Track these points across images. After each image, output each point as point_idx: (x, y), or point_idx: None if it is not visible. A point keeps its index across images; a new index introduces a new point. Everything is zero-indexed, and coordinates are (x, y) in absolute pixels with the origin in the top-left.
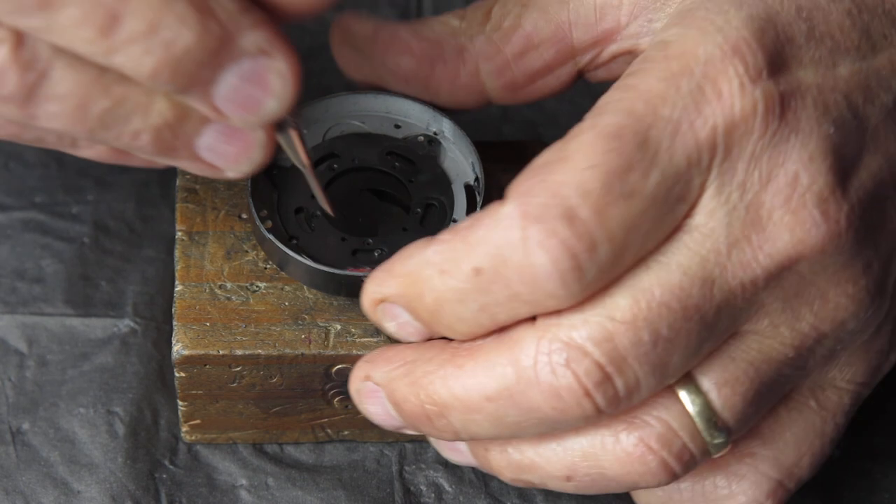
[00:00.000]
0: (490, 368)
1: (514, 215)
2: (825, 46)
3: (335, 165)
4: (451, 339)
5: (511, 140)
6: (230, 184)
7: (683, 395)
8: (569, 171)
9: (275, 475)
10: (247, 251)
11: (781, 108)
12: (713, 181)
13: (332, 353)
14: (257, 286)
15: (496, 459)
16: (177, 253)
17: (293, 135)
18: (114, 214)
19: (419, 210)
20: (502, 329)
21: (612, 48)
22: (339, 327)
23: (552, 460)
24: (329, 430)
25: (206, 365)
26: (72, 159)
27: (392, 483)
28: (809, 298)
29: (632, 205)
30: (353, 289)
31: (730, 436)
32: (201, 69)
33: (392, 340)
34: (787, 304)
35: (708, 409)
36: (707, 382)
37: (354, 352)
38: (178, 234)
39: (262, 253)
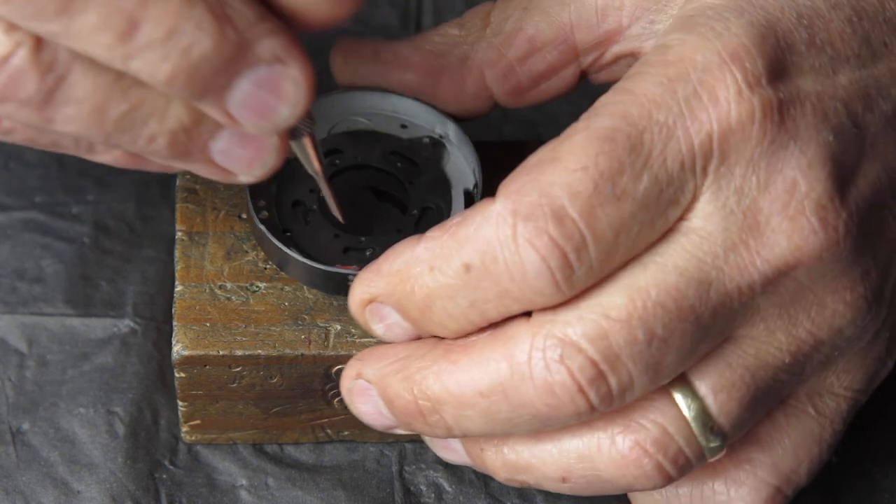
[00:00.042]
0: (484, 364)
1: (504, 213)
2: (825, 54)
3: (337, 161)
4: (440, 339)
5: (511, 140)
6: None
7: (680, 399)
8: (560, 172)
9: (275, 475)
10: (247, 251)
11: (780, 114)
12: (709, 185)
13: (332, 353)
14: (257, 286)
15: (491, 459)
16: (177, 253)
17: (307, 142)
18: (114, 214)
19: (416, 212)
20: (493, 325)
21: (615, 49)
22: (338, 328)
23: (548, 461)
24: (329, 431)
25: (206, 365)
26: (72, 159)
27: (392, 483)
28: (806, 305)
29: (621, 207)
30: (342, 287)
31: (725, 440)
32: (217, 76)
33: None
34: (783, 309)
35: (704, 414)
36: (703, 387)
37: (354, 352)
38: (178, 235)
39: (262, 253)
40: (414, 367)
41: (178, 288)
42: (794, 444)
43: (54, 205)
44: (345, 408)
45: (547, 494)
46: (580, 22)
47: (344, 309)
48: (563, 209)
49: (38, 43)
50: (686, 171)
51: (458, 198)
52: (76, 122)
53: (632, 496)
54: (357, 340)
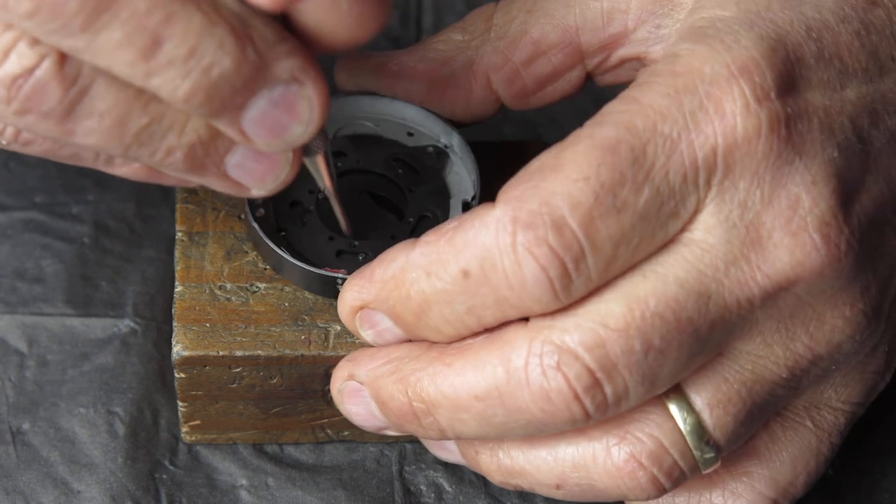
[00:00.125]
0: (480, 367)
1: (504, 219)
2: (834, 68)
3: (339, 164)
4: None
5: (511, 140)
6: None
7: (676, 413)
8: (561, 181)
9: (275, 475)
10: (247, 252)
11: (787, 129)
12: (713, 198)
13: (332, 353)
14: (257, 287)
15: (486, 462)
16: (177, 253)
17: (319, 160)
18: (114, 214)
19: (412, 220)
20: (489, 329)
21: (621, 52)
22: (338, 328)
23: (542, 468)
24: (329, 431)
25: (205, 366)
26: None
27: (392, 483)
28: (805, 320)
29: (621, 219)
30: (329, 289)
31: (720, 453)
32: (235, 95)
33: None
34: (782, 323)
35: (700, 428)
36: (700, 401)
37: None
38: (178, 235)
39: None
40: (408, 369)
41: (178, 288)
42: (791, 457)
43: (54, 205)
44: None
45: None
46: (585, 25)
47: None
48: (563, 219)
49: (62, 56)
50: (688, 184)
51: (455, 207)
52: (96, 135)
53: None
54: (357, 341)
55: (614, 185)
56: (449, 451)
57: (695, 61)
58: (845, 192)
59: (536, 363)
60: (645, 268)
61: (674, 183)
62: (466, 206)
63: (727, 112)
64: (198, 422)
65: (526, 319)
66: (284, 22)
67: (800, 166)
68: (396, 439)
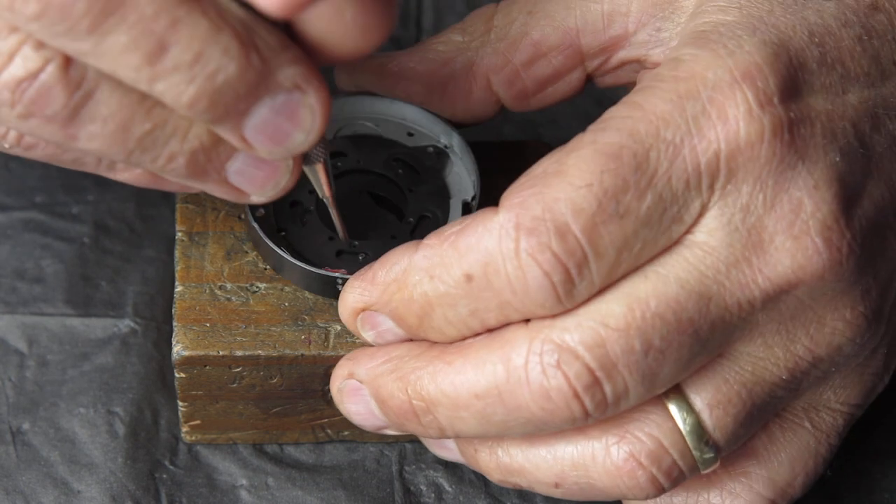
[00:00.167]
0: (480, 366)
1: (507, 225)
2: (836, 73)
3: (339, 164)
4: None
5: (511, 140)
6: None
7: (675, 413)
8: (564, 187)
9: (275, 475)
10: (247, 252)
11: (790, 134)
12: (716, 202)
13: (332, 353)
14: (257, 287)
15: (485, 460)
16: (177, 253)
17: (319, 168)
18: (114, 214)
19: (412, 220)
20: (491, 330)
21: (621, 55)
22: (339, 328)
23: (541, 466)
24: (329, 431)
25: (206, 366)
26: None
27: (392, 483)
28: (806, 322)
29: (624, 225)
30: (329, 289)
31: (719, 453)
32: (238, 101)
33: None
34: (782, 325)
35: (699, 428)
36: (699, 402)
37: None
38: (178, 235)
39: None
40: (408, 367)
41: (178, 288)
42: (790, 458)
43: (54, 205)
44: None
45: (547, 496)
46: (586, 27)
47: None
48: (566, 225)
49: (67, 60)
50: (691, 190)
51: (455, 208)
52: (99, 140)
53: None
54: (357, 341)
55: (617, 192)
56: (448, 450)
57: (698, 66)
58: (847, 197)
59: (536, 361)
60: (647, 269)
61: (676, 188)
62: (466, 207)
63: (730, 117)
64: (198, 422)
65: (527, 319)
66: (289, 32)
67: (802, 171)
68: (396, 439)
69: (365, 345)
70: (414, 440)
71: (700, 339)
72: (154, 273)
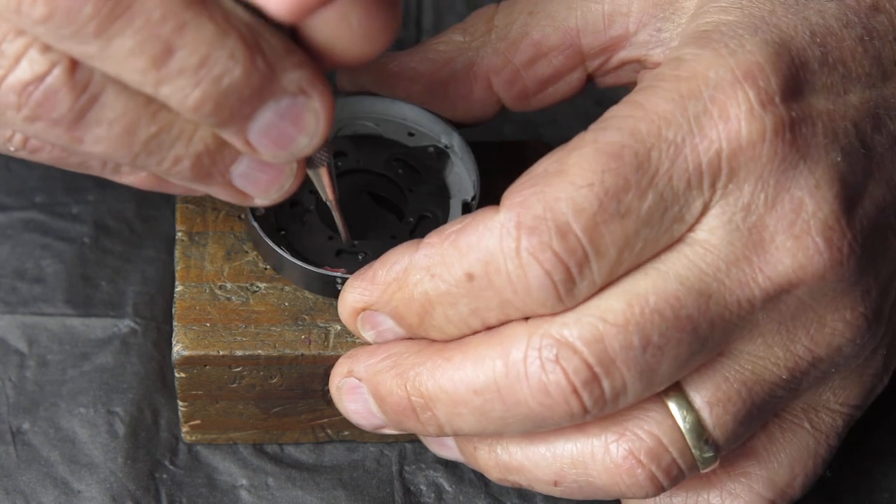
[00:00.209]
0: (479, 361)
1: (508, 224)
2: (838, 73)
3: (339, 164)
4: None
5: (511, 140)
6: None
7: (675, 411)
8: (565, 187)
9: (275, 475)
10: (247, 252)
11: (792, 134)
12: (717, 201)
13: (333, 353)
14: (257, 286)
15: (484, 458)
16: (177, 253)
17: (323, 172)
18: (114, 214)
19: (412, 220)
20: (491, 328)
21: (621, 55)
22: (339, 328)
23: (540, 464)
24: (329, 430)
25: (206, 365)
26: None
27: (392, 483)
28: (806, 322)
29: (625, 224)
30: (329, 289)
31: (719, 452)
32: (243, 105)
33: None
34: (782, 325)
35: (699, 427)
36: (699, 400)
37: None
38: (178, 235)
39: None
40: (407, 364)
41: (178, 288)
42: (789, 459)
43: (54, 205)
44: None
45: (547, 495)
46: (587, 27)
47: None
48: (567, 225)
49: (73, 63)
50: (692, 189)
51: (455, 208)
52: (105, 143)
53: (624, 503)
54: (357, 340)
55: (618, 192)
56: (447, 448)
57: (699, 66)
58: (848, 197)
59: (535, 356)
60: (647, 266)
61: (678, 188)
62: (466, 206)
63: (732, 116)
64: (198, 421)
65: (527, 318)
66: (294, 37)
67: (804, 170)
68: (396, 439)
69: (365, 344)
70: (414, 440)
71: (699, 336)
72: (154, 273)
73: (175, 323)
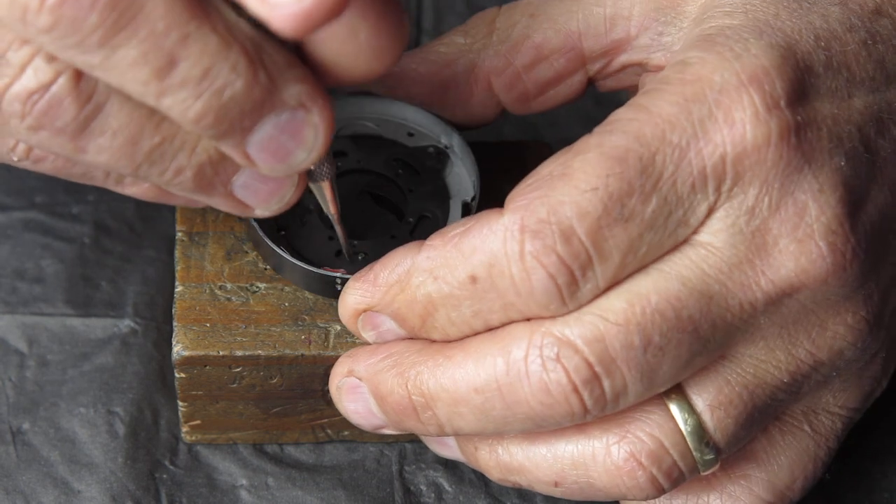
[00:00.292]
0: (480, 360)
1: (512, 227)
2: (842, 77)
3: (339, 164)
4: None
5: (511, 140)
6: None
7: (676, 413)
8: (569, 190)
9: (275, 475)
10: (247, 252)
11: (797, 138)
12: (721, 204)
13: (333, 353)
14: (257, 287)
15: (485, 458)
16: (177, 253)
17: (325, 186)
18: (114, 214)
19: (412, 220)
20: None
21: (623, 58)
22: (338, 328)
23: (541, 465)
24: (329, 431)
25: (206, 366)
26: None
27: (392, 483)
28: (808, 326)
29: (629, 228)
30: (328, 289)
31: (720, 455)
32: (244, 117)
33: None
34: (784, 329)
35: (700, 429)
36: (701, 403)
37: None
38: (178, 235)
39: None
40: (408, 363)
41: (179, 288)
42: (789, 461)
43: (54, 205)
44: None
45: (547, 496)
46: (588, 30)
47: None
48: (571, 229)
49: (78, 73)
50: (697, 193)
51: (455, 208)
52: (108, 153)
53: None
54: (357, 341)
55: (622, 196)
56: (448, 447)
57: (704, 69)
58: (852, 201)
59: (536, 355)
60: (649, 266)
61: (682, 192)
62: (466, 207)
63: (736, 120)
64: (198, 422)
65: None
66: (299, 53)
67: (808, 174)
68: (396, 439)
69: (365, 344)
70: (414, 440)
71: (700, 338)
72: (154, 273)
73: (175, 323)
